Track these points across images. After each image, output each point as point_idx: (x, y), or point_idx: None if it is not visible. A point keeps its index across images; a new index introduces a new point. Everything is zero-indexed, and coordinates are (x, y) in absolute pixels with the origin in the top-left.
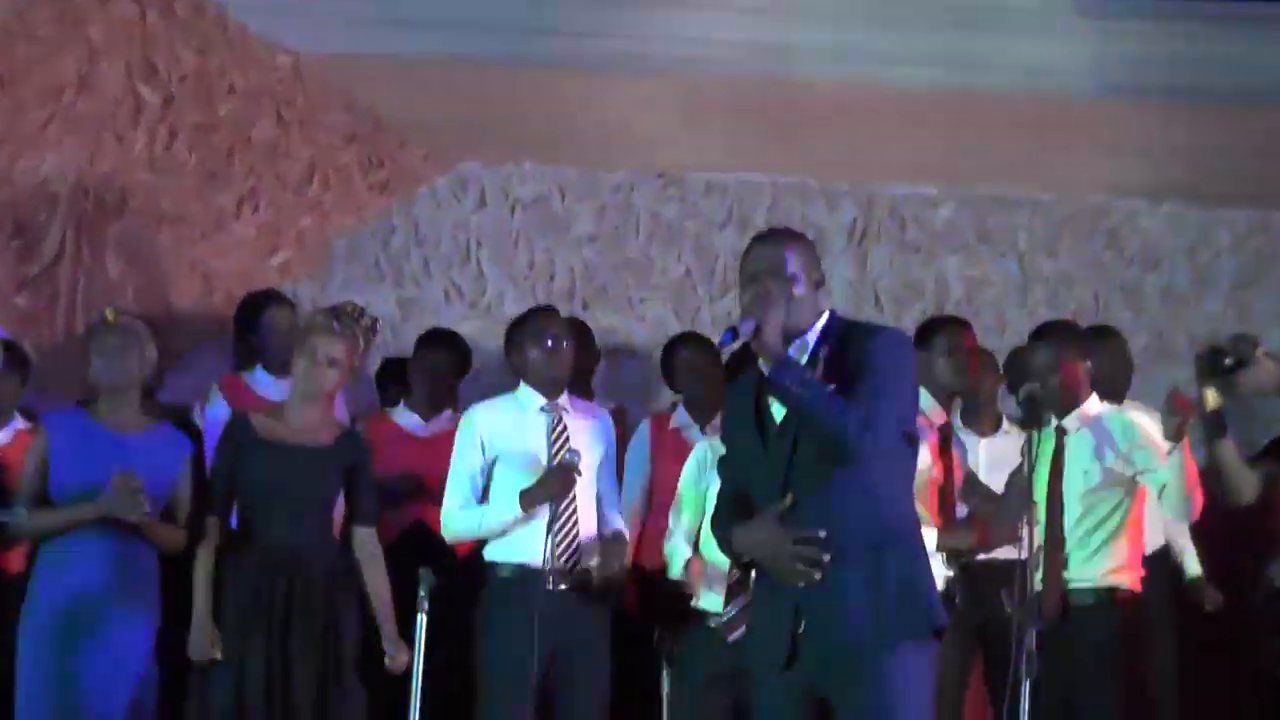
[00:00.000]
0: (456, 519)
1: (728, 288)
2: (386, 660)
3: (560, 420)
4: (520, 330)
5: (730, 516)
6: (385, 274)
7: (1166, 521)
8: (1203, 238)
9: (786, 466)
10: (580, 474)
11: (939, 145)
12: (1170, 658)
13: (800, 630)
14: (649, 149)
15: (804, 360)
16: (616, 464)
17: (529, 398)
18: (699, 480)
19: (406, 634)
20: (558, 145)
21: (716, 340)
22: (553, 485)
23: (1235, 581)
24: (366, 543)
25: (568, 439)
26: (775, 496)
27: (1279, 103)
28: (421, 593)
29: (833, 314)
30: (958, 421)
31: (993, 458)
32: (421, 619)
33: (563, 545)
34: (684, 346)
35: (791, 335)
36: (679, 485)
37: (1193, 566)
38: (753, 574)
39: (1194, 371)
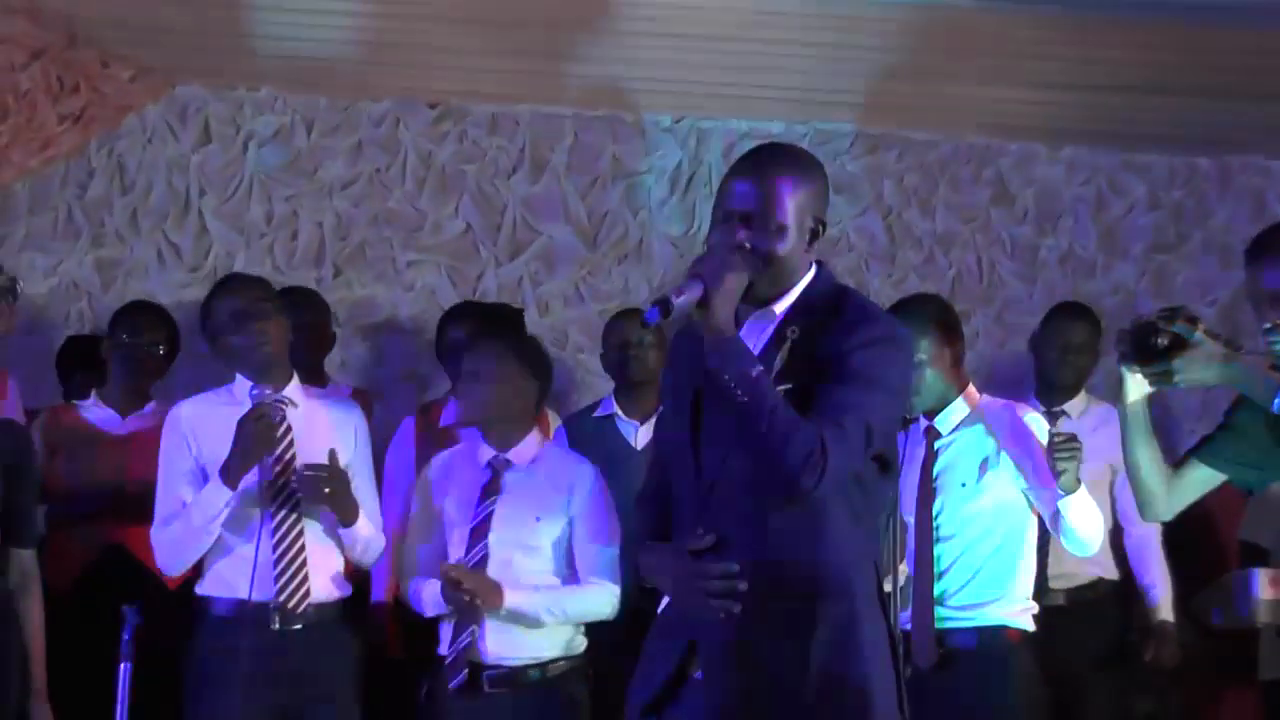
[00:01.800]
0: (164, 535)
1: (518, 248)
2: None
3: (282, 415)
4: (209, 307)
5: (648, 514)
6: (81, 229)
7: (1131, 542)
8: (1113, 189)
9: (715, 476)
10: (284, 412)
11: (784, 70)
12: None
13: (692, 671)
14: (419, 73)
15: (765, 337)
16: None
17: (243, 389)
18: (431, 498)
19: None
20: (303, 66)
21: (642, 315)
22: (249, 437)
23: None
24: (20, 567)
25: (290, 440)
26: (696, 506)
27: (1207, 20)
28: (126, 637)
29: (820, 272)
30: None
31: None
32: (125, 669)
33: (289, 564)
34: (460, 322)
35: (759, 300)
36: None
37: (1165, 606)
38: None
39: (1116, 354)
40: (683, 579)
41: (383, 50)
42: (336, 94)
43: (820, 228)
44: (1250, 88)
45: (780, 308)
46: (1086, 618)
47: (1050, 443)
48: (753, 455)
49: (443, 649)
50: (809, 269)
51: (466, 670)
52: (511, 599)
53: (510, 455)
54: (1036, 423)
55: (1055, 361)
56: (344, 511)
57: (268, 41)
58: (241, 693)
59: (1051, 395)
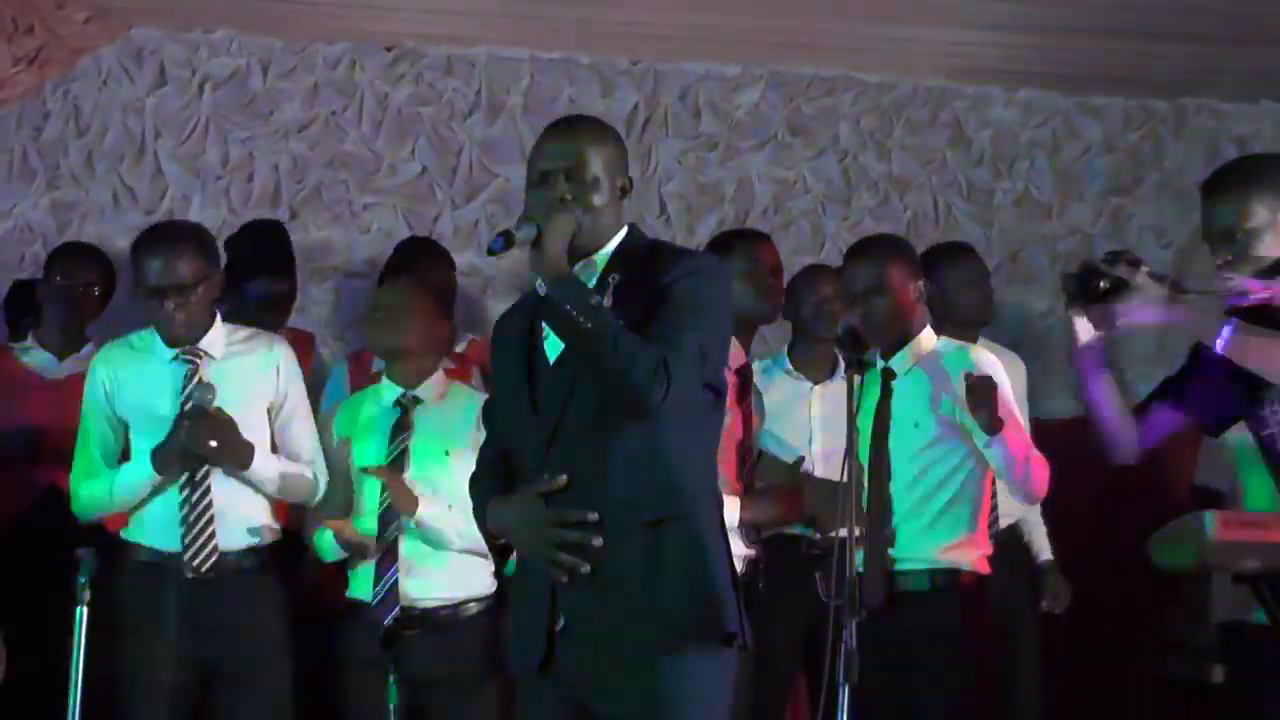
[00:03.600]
0: (82, 489)
1: (474, 190)
2: None
3: (195, 370)
4: (137, 259)
5: (489, 481)
6: (36, 171)
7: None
8: (1068, 132)
9: (557, 418)
10: (215, 411)
11: (740, 11)
12: (1033, 658)
13: (559, 626)
14: (375, 15)
15: (590, 285)
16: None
17: (157, 338)
18: (342, 448)
19: (54, 630)
20: (259, 7)
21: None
22: (182, 437)
23: (1120, 560)
24: None
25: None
26: (540, 454)
27: None
28: (81, 580)
29: (632, 230)
30: (785, 363)
31: (827, 409)
32: (81, 613)
33: (196, 519)
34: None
35: (580, 253)
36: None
37: (1042, 547)
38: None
39: (1062, 297)
40: (534, 527)
41: None
42: (292, 36)
43: (628, 185)
44: (1205, 31)
45: (600, 259)
46: (1009, 558)
47: (966, 384)
48: (599, 380)
49: (351, 593)
50: (622, 227)
51: (399, 607)
52: (424, 510)
53: (418, 392)
54: (991, 364)
55: (978, 298)
56: (233, 459)
57: None
58: (159, 641)
59: (962, 335)
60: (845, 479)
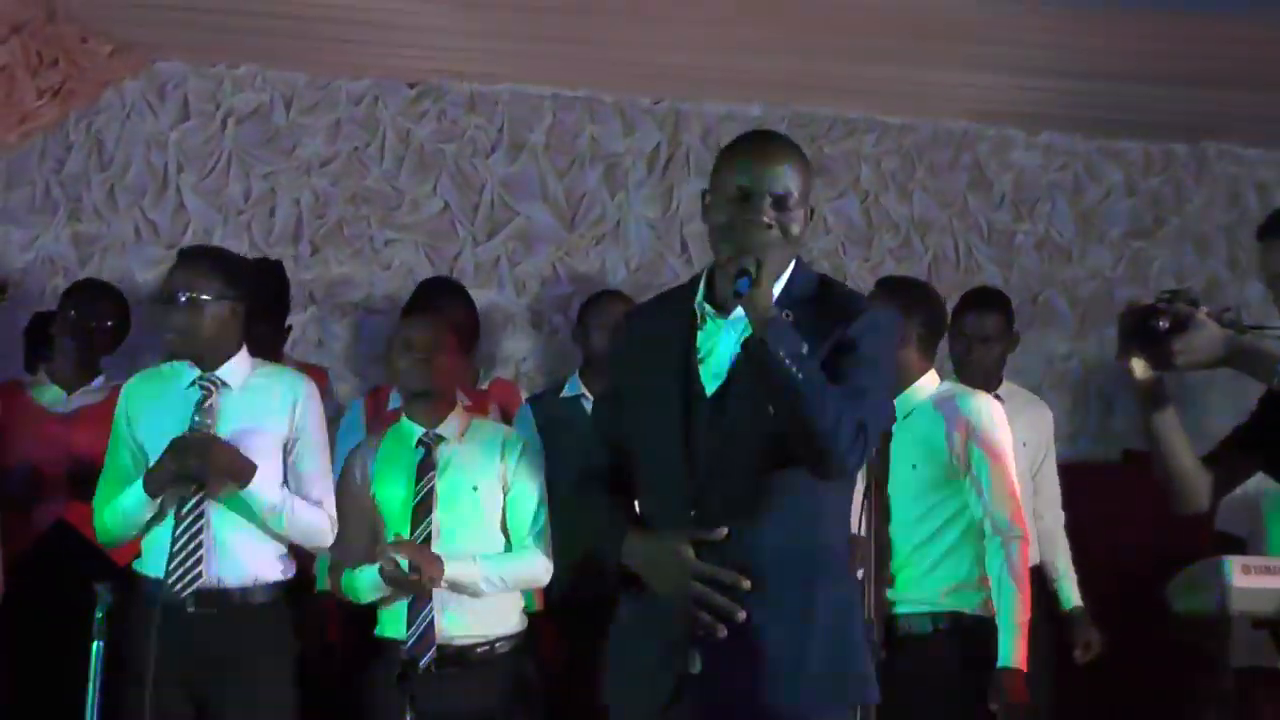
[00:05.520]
0: (102, 514)
1: (495, 227)
2: None
3: (210, 395)
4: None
5: (610, 500)
6: (59, 204)
7: (1038, 535)
8: (1090, 175)
9: (713, 457)
10: (205, 436)
11: (763, 52)
12: (1047, 705)
13: (692, 669)
14: (398, 51)
15: None
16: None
17: (185, 367)
18: (359, 486)
19: (66, 665)
20: (283, 42)
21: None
22: (172, 462)
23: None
24: None
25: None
26: (686, 493)
27: (1183, 7)
28: (98, 614)
29: (799, 263)
30: None
31: None
32: (99, 648)
33: (183, 546)
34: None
35: None
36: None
37: (1071, 594)
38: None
39: (1117, 336)
40: (680, 577)
41: (362, 29)
42: (316, 72)
43: (810, 215)
44: (1227, 75)
45: (775, 292)
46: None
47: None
48: (795, 431)
49: (381, 631)
50: (793, 259)
51: (435, 649)
52: (451, 569)
53: (441, 430)
54: (976, 411)
55: (964, 353)
56: (231, 475)
57: (248, 18)
58: (152, 670)
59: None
60: (861, 521)
